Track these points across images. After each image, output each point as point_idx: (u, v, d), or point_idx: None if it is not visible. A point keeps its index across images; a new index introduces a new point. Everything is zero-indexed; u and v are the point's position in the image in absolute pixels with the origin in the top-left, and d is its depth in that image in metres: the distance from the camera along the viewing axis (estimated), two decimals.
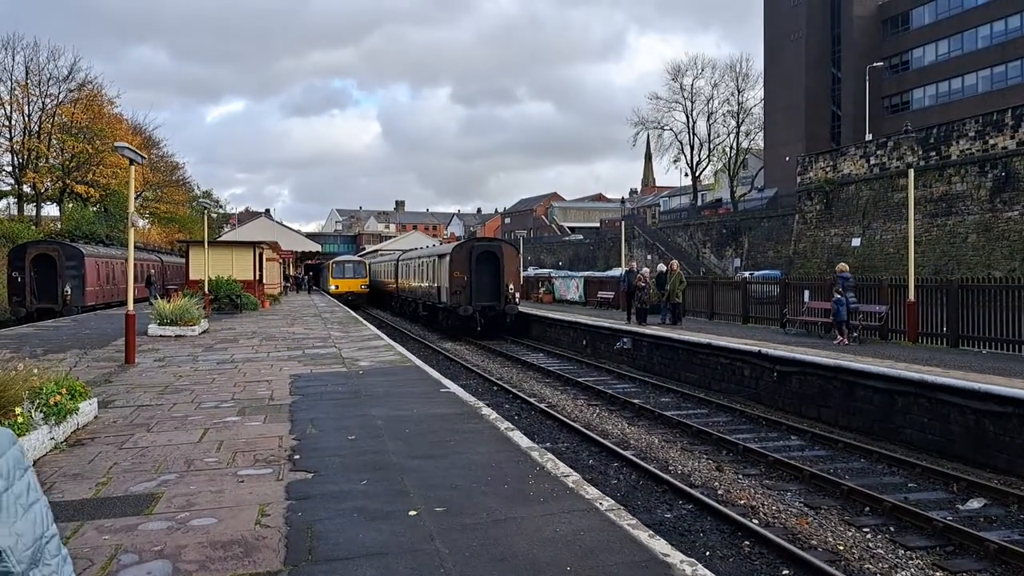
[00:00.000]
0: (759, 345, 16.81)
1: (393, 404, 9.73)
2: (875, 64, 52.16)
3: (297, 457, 7.09)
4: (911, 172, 18.48)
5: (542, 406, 16.14)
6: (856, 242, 42.37)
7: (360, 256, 71.74)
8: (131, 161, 15.31)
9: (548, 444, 12.24)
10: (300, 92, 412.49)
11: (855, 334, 17.59)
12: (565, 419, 14.61)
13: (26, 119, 55.65)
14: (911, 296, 17.12)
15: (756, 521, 8.70)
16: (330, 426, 8.47)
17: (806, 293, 21.09)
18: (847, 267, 19.21)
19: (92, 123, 56.30)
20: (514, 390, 18.35)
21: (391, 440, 7.66)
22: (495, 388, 18.78)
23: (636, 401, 16.41)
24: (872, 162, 42.07)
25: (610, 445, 12.26)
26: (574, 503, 5.46)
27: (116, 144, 15.12)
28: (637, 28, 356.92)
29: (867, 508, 9.16)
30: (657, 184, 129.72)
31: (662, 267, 24.59)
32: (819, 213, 46.02)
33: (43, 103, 56.24)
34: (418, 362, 14.50)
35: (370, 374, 12.75)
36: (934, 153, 38.09)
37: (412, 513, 5.31)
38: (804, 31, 69.30)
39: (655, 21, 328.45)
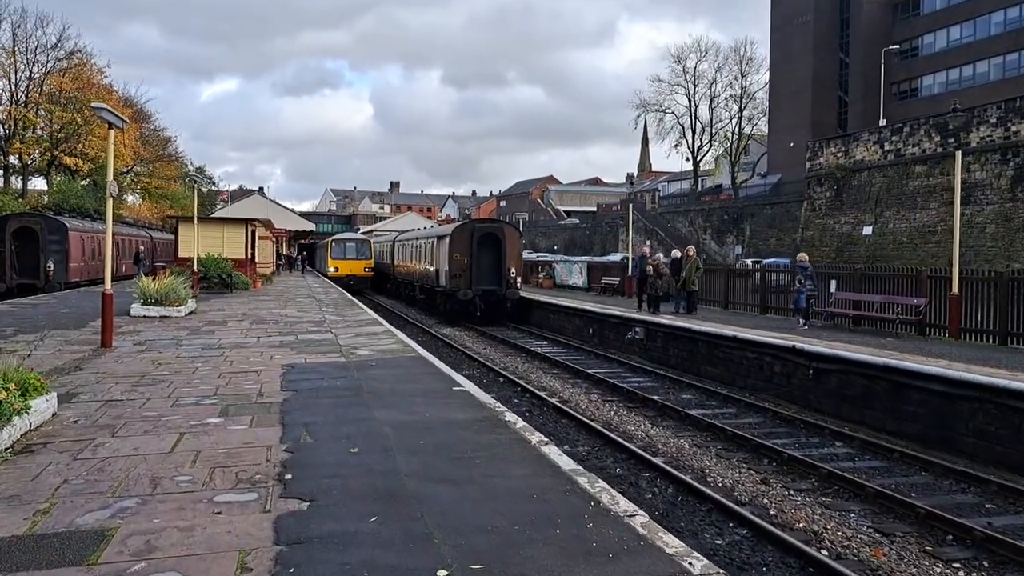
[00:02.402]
0: (786, 338, 15.56)
1: (401, 405, 8.42)
2: (891, 47, 50.65)
3: (289, 477, 5.78)
4: (959, 155, 17.21)
5: (554, 401, 14.91)
6: (868, 230, 41.13)
7: (362, 234, 64.46)
8: (111, 125, 13.89)
9: (567, 447, 10.99)
10: (292, 72, 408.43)
11: (812, 320, 18.89)
12: (582, 417, 13.37)
13: (13, 88, 53.85)
14: (955, 289, 15.87)
15: (825, 552, 7.46)
16: (328, 433, 7.16)
17: (832, 283, 19.84)
18: (807, 257, 20.09)
19: (81, 93, 54.39)
20: (522, 382, 17.08)
21: (403, 455, 6.35)
22: (501, 380, 17.51)
23: (656, 398, 15.16)
24: (886, 148, 40.75)
25: (638, 451, 11.00)
26: (655, 562, 4.17)
27: (94, 105, 13.69)
28: (628, 16, 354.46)
29: (950, 536, 7.92)
30: (654, 169, 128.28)
31: (676, 253, 23.30)
32: (829, 200, 44.74)
33: (30, 71, 54.40)
34: (423, 352, 13.17)
35: (371, 366, 11.43)
36: (952, 140, 36.78)
37: (442, 574, 4.01)
38: (812, 15, 67.77)
39: (645, 9, 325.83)
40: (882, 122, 43.14)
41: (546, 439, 6.88)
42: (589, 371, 18.44)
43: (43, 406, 7.72)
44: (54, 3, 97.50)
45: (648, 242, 71.83)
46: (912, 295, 17.11)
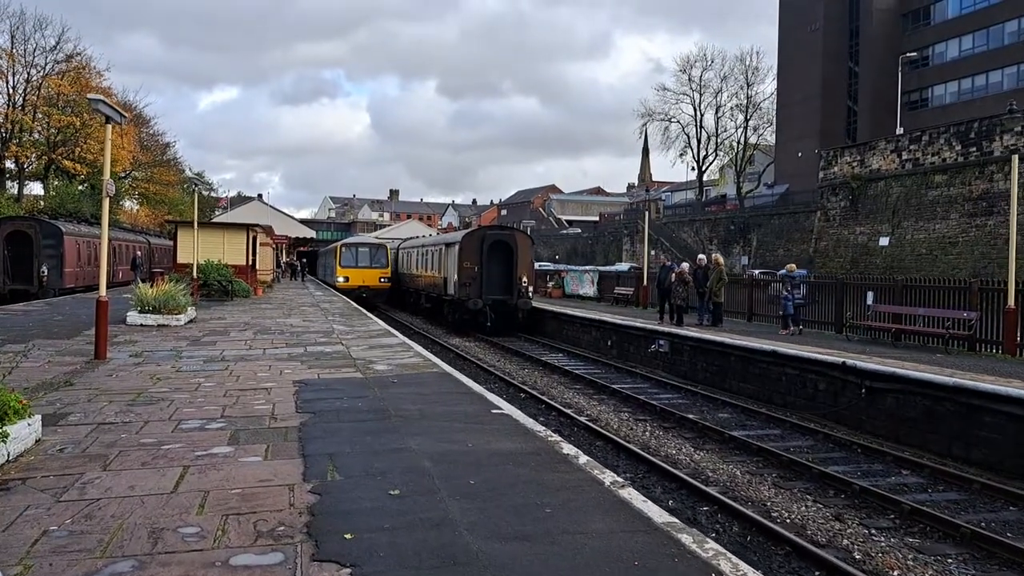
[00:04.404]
0: (832, 353, 14.50)
1: (436, 432, 7.34)
2: (908, 55, 49.85)
3: (320, 529, 4.71)
4: (1015, 159, 16.15)
5: (582, 419, 13.84)
6: (884, 241, 40.10)
7: (376, 238, 56.17)
8: (108, 119, 12.87)
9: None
10: (290, 82, 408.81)
11: (799, 327, 19.69)
12: (615, 438, 12.30)
13: (10, 90, 52.79)
14: (1011, 301, 14.83)
15: None
16: (359, 468, 6.09)
17: (869, 295, 18.79)
18: (795, 266, 21.34)
19: (79, 96, 53.26)
20: (545, 398, 16.03)
21: (454, 499, 5.27)
22: (523, 396, 16.44)
23: (692, 416, 14.10)
24: (904, 157, 39.75)
25: (689, 479, 9.92)
26: None
27: (91, 96, 12.65)
28: (620, 29, 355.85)
29: None
30: (654, 179, 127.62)
31: (702, 258, 22.27)
32: (843, 210, 43.69)
33: (28, 74, 53.35)
34: (447, 368, 12.08)
35: (392, 383, 10.36)
36: (974, 149, 35.82)
37: None
38: (821, 24, 67.01)
39: (638, 21, 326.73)
40: (899, 130, 42.21)
41: (621, 479, 5.81)
42: (614, 386, 17.37)
43: (24, 432, 6.65)
44: (54, 12, 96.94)
45: (653, 252, 70.80)
46: (962, 308, 16.05)
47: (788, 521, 8.63)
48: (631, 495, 5.35)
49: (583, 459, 6.32)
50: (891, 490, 9.64)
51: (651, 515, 4.93)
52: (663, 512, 5.03)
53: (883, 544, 7.94)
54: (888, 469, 10.88)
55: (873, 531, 8.31)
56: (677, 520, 4.91)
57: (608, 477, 5.79)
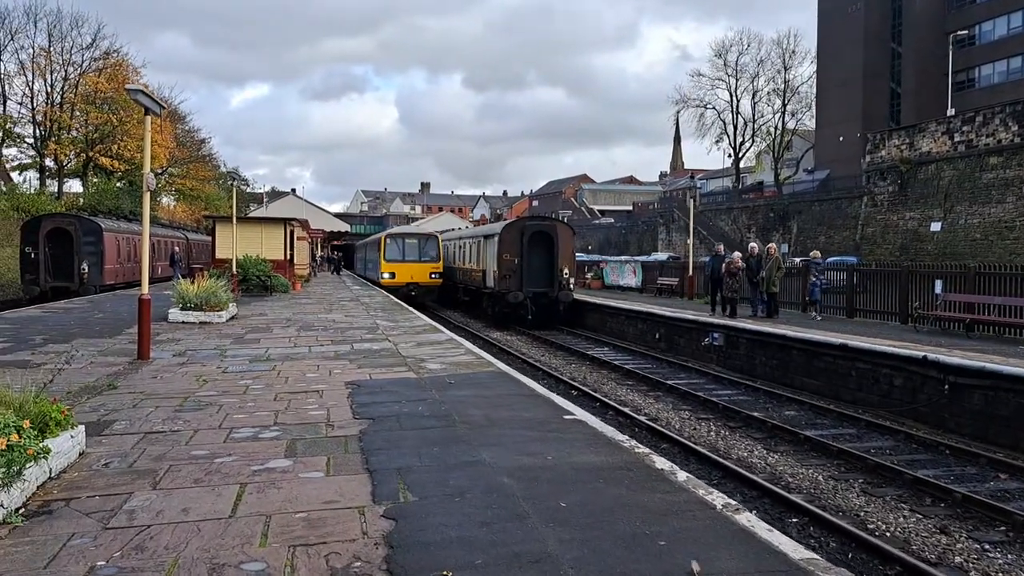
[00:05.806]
0: (904, 346, 13.66)
1: (508, 443, 6.71)
2: (959, 33, 48.14)
3: (403, 567, 4.10)
4: None
5: (642, 418, 13.17)
6: (936, 227, 38.75)
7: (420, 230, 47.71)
8: (147, 110, 12.44)
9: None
10: (319, 78, 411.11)
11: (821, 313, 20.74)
12: (680, 438, 11.62)
13: (49, 88, 53.14)
14: None
15: None
16: (433, 487, 5.47)
17: (938, 283, 17.84)
18: (819, 253, 23.11)
19: (116, 93, 53.46)
20: (598, 395, 15.38)
21: (548, 527, 4.64)
22: (575, 392, 15.77)
23: (758, 415, 13.34)
24: (956, 139, 38.35)
25: (770, 486, 9.20)
26: None
27: (128, 87, 12.20)
28: (646, 17, 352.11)
29: None
30: (686, 167, 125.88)
31: (753, 246, 21.44)
32: (892, 195, 42.35)
33: (66, 72, 53.67)
34: (502, 366, 11.45)
35: (449, 384, 9.75)
36: None
37: None
38: (862, 4, 65.13)
39: (663, 10, 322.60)
40: (950, 111, 40.73)
41: (734, 502, 5.12)
42: (669, 382, 16.64)
43: (67, 445, 6.14)
44: (89, 11, 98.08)
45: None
46: None
47: (889, 534, 7.88)
48: (752, 522, 4.66)
49: (682, 476, 5.64)
50: (994, 497, 8.85)
51: (784, 549, 4.25)
52: (797, 546, 4.34)
53: (1001, 562, 7.18)
54: (983, 473, 10.06)
55: (986, 546, 7.54)
56: (817, 556, 4.23)
57: (718, 499, 5.10)
